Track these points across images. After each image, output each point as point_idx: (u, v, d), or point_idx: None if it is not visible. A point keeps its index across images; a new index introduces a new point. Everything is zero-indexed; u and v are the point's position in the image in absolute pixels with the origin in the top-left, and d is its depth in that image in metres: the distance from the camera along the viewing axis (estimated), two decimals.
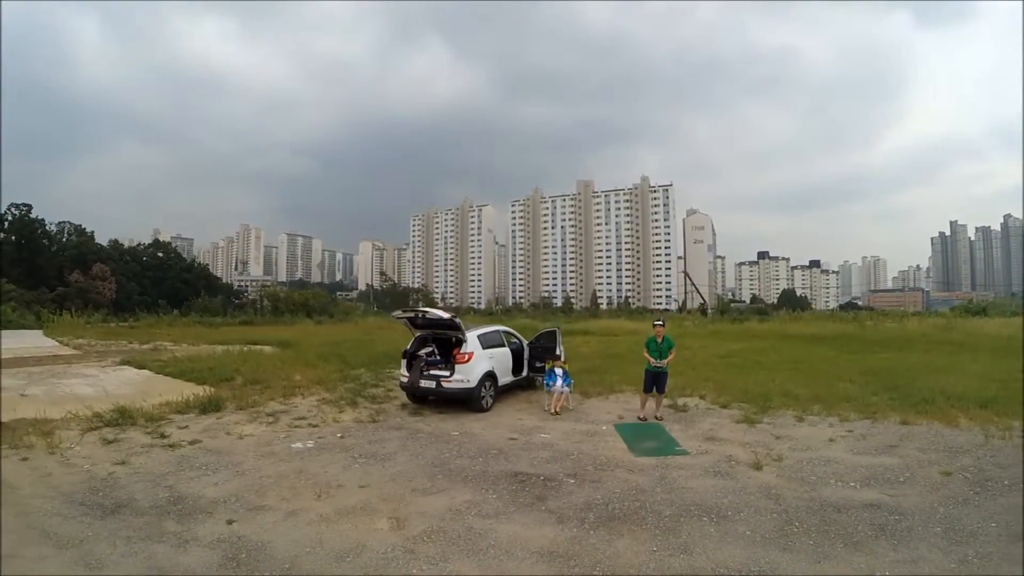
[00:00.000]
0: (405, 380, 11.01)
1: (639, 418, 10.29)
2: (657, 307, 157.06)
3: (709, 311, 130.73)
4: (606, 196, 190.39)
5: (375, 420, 9.84)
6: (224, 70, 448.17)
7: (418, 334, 11.76)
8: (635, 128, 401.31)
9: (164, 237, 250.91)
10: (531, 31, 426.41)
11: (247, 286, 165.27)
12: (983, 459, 7.67)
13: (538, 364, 12.72)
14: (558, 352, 12.51)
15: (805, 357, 20.28)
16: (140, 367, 16.60)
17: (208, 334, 32.54)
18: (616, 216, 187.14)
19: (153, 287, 72.86)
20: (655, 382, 10.32)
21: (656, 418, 10.22)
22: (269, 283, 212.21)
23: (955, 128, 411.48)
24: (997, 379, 14.14)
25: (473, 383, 10.59)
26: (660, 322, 11.02)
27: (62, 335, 29.86)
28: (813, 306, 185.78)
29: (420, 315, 11.47)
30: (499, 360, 11.59)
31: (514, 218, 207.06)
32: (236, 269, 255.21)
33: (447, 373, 10.68)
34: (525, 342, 13.05)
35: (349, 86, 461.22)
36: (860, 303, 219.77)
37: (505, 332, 12.59)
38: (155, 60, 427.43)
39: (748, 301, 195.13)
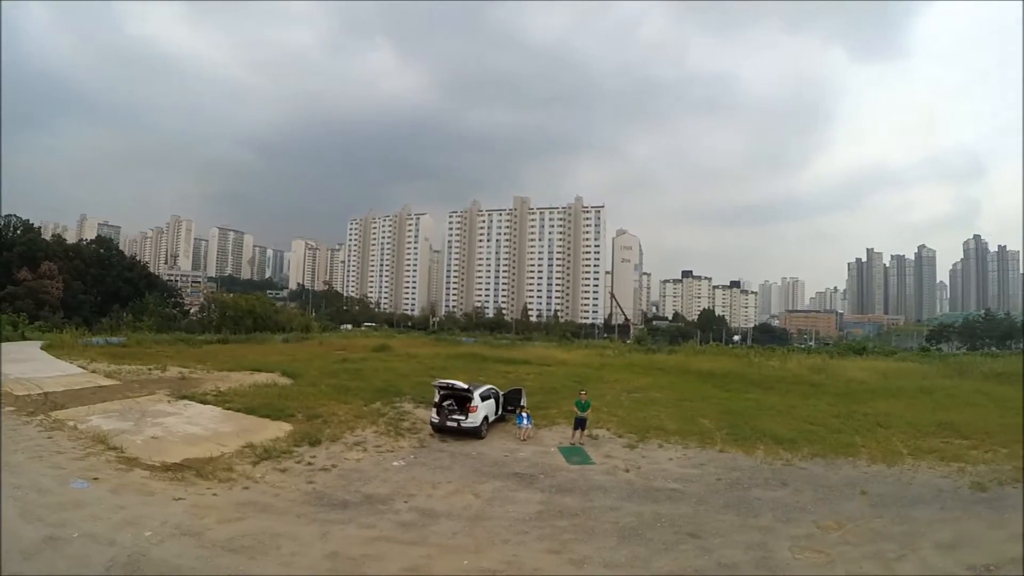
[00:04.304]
0: (436, 421, 18.09)
1: (571, 443, 17.78)
2: (584, 321, 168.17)
3: (632, 328, 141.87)
4: (541, 213, 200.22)
5: (424, 446, 16.94)
6: (170, 53, 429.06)
7: (443, 392, 18.78)
8: (577, 139, 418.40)
9: (91, 223, 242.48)
10: (480, 37, 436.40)
11: (177, 280, 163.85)
12: (745, 474, 15.19)
13: (509, 407, 20.22)
14: (522, 403, 20.13)
15: (690, 395, 27.57)
16: (203, 402, 20.84)
17: (202, 355, 37.04)
18: (550, 233, 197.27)
19: (95, 284, 73.46)
20: (580, 424, 18.03)
21: (580, 444, 17.73)
22: (199, 279, 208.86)
23: (882, 158, 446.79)
24: (813, 422, 21.53)
25: (478, 423, 17.88)
26: (584, 391, 18.97)
27: (66, 354, 32.78)
28: (731, 324, 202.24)
29: (450, 386, 18.59)
30: (489, 407, 18.95)
31: (451, 229, 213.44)
32: (166, 263, 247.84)
33: (463, 417, 17.83)
34: (500, 392, 20.41)
35: (295, 79, 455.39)
36: (777, 323, 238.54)
37: (491, 388, 19.92)
38: (101, 38, 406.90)
39: (670, 318, 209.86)
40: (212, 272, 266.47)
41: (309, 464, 14.45)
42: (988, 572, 9.65)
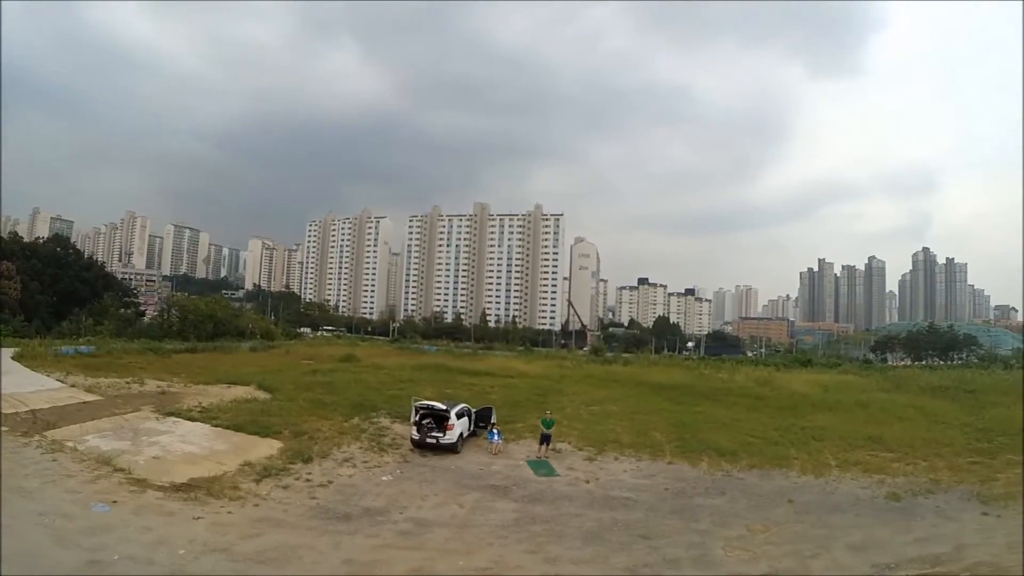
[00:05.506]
0: (416, 437, 19.88)
1: (537, 457, 19.88)
2: (542, 327, 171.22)
3: (588, 335, 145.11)
4: (501, 219, 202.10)
5: (407, 461, 18.77)
6: (128, 44, 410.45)
7: (422, 411, 20.61)
8: (539, 145, 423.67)
9: (44, 217, 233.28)
10: (445, 40, 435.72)
11: (131, 279, 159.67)
12: (689, 484, 17.48)
13: (481, 424, 22.26)
14: (493, 420, 22.20)
15: (643, 408, 29.68)
16: (190, 419, 21.39)
17: (174, 366, 37.38)
18: (509, 239, 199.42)
19: (51, 284, 71.72)
20: (545, 439, 20.21)
21: (545, 457, 19.85)
22: (154, 278, 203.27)
23: (836, 171, 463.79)
24: (754, 435, 23.64)
25: (455, 439, 19.81)
26: (549, 412, 21.24)
27: (39, 365, 32.66)
28: (685, 331, 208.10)
29: (430, 407, 20.47)
30: (464, 424, 20.91)
31: (411, 233, 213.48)
32: (120, 260, 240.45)
33: (441, 434, 19.71)
34: (473, 410, 22.38)
35: (257, 76, 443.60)
36: (730, 330, 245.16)
37: (464, 406, 21.83)
38: (58, 26, 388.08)
39: (626, 324, 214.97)
40: (167, 270, 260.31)
41: (308, 480, 15.92)
42: (890, 571, 11.12)
